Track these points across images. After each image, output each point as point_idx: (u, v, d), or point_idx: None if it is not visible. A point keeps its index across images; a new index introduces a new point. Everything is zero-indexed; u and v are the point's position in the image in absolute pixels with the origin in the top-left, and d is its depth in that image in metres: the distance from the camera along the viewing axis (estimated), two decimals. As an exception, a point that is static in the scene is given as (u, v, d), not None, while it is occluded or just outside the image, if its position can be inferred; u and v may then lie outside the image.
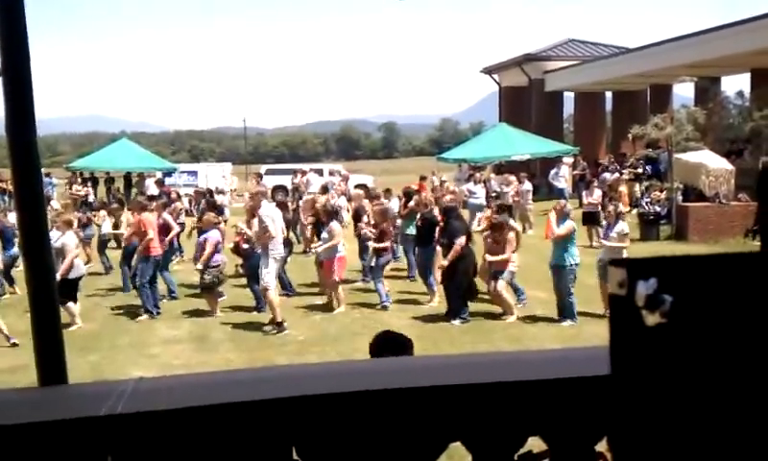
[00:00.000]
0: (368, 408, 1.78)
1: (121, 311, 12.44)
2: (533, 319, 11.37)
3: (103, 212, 16.17)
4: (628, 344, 0.70)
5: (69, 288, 11.06)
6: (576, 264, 11.10)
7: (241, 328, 11.20)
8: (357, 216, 14.99)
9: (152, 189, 25.60)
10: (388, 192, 17.56)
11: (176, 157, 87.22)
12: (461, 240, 11.14)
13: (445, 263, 11.19)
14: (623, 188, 20.11)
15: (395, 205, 15.92)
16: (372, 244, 13.17)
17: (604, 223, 12.41)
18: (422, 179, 23.91)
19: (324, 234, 12.25)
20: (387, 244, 12.82)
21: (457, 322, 10.91)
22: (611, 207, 12.35)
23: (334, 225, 12.21)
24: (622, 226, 11.43)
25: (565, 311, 11.07)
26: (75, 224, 13.64)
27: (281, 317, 11.04)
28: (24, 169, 2.01)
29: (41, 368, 1.98)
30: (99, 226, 16.10)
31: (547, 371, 1.92)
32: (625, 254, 11.06)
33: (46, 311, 2.02)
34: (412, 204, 14.82)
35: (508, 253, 11.21)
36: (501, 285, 11.28)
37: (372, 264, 12.93)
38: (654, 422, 0.69)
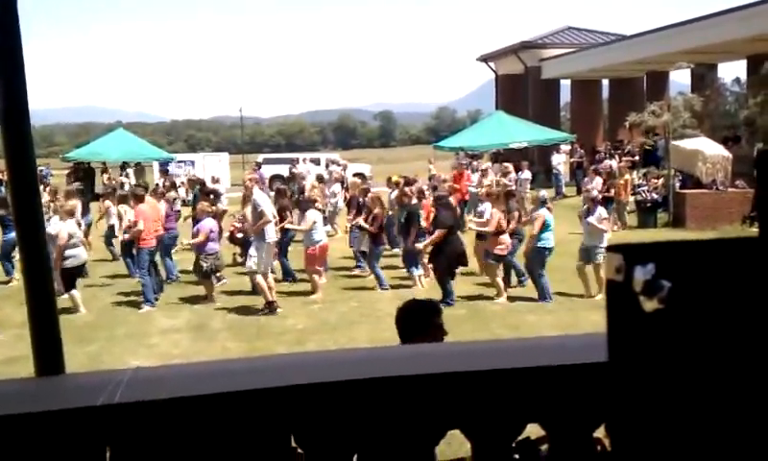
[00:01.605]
0: (366, 396, 1.78)
1: (119, 301, 12.43)
2: (530, 307, 11.39)
3: (108, 202, 16.23)
4: (626, 330, 0.69)
5: (70, 277, 11.41)
6: (547, 248, 11.61)
7: (240, 318, 11.21)
8: (352, 204, 15.07)
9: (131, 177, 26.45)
10: (390, 181, 17.61)
11: (173, 146, 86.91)
12: (440, 229, 11.46)
13: (420, 246, 11.93)
14: (627, 176, 20.05)
15: (395, 195, 16.00)
16: (361, 223, 13.39)
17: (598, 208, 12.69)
18: (461, 165, 23.17)
19: (302, 224, 12.67)
20: (376, 230, 13.08)
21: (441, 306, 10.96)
22: (589, 194, 13.13)
23: (309, 213, 12.49)
24: (601, 210, 11.96)
25: (540, 291, 11.59)
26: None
27: (272, 297, 11.31)
28: (18, 160, 2.00)
29: (38, 358, 1.98)
30: (102, 217, 16.28)
31: (545, 358, 1.93)
32: (606, 239, 11.67)
33: (42, 302, 2.02)
34: (396, 194, 15.09)
35: (491, 228, 11.75)
36: (492, 270, 11.86)
37: (365, 249, 13.29)
38: (652, 408, 0.69)
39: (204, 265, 12.10)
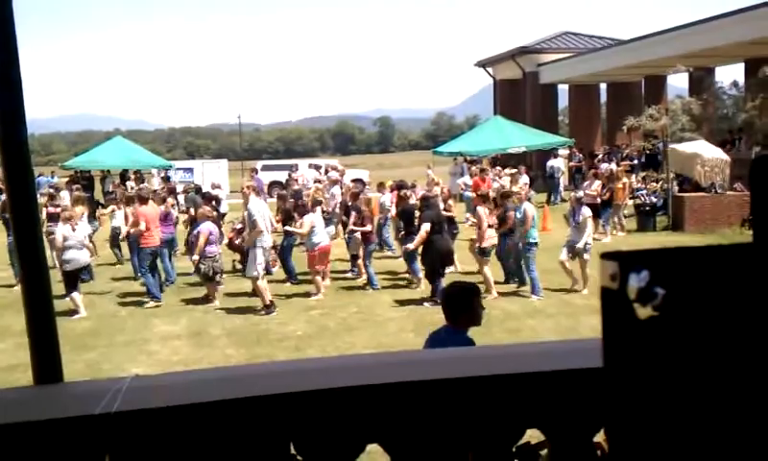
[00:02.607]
0: (366, 403, 1.78)
1: (119, 308, 12.43)
2: (530, 312, 11.39)
3: (113, 207, 16.55)
4: (620, 337, 0.70)
5: (71, 279, 11.82)
6: (534, 243, 12.21)
7: (239, 324, 11.21)
8: (346, 208, 15.41)
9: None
10: (381, 186, 17.89)
11: (171, 154, 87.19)
12: (426, 227, 11.90)
13: (410, 247, 12.33)
14: (625, 180, 20.03)
15: (387, 198, 16.31)
16: (352, 227, 13.81)
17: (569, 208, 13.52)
18: (483, 171, 21.94)
19: (298, 226, 13.07)
20: (368, 228, 13.58)
21: (428, 304, 11.66)
22: (572, 194, 13.82)
23: (306, 217, 12.85)
24: (584, 210, 12.64)
25: (531, 286, 12.18)
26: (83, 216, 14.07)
27: (269, 300, 11.74)
28: (16, 168, 2.00)
29: (36, 366, 1.97)
30: (110, 219, 16.57)
31: (545, 363, 1.93)
32: (589, 236, 12.43)
33: (40, 310, 2.02)
34: (389, 197, 15.84)
35: (483, 228, 12.39)
36: (482, 264, 12.46)
37: (355, 253, 13.85)
38: (647, 414, 0.69)
39: (203, 267, 12.35)
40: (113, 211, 16.26)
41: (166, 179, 25.62)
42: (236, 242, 13.75)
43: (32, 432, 1.58)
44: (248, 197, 12.19)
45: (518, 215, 12.30)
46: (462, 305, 4.50)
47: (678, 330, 0.67)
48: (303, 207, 13.42)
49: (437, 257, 11.88)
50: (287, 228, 13.52)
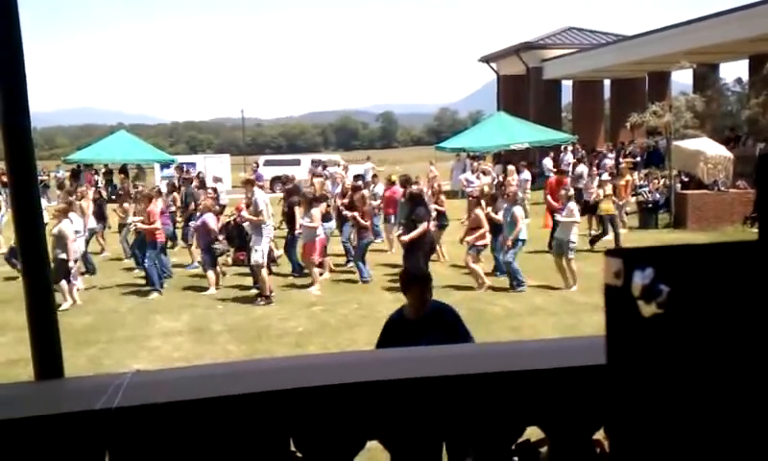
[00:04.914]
0: (366, 399, 1.77)
1: (120, 303, 12.43)
2: (531, 309, 11.38)
3: (126, 205, 16.97)
4: (624, 334, 0.69)
5: (65, 269, 12.05)
6: (521, 240, 12.60)
7: (240, 320, 11.21)
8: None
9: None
10: (375, 178, 18.35)
11: (174, 148, 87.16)
12: (424, 225, 12.19)
13: (405, 239, 12.39)
14: (628, 177, 19.93)
15: (379, 190, 17.16)
16: (346, 213, 14.43)
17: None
18: (560, 172, 19.24)
19: (306, 220, 13.22)
20: (366, 224, 13.95)
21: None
22: (562, 192, 13.82)
23: (314, 211, 13.13)
24: (572, 206, 12.84)
25: (513, 279, 12.49)
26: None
27: (269, 290, 12.13)
28: (19, 162, 2.00)
29: (37, 362, 1.97)
30: (123, 217, 16.78)
31: (545, 361, 1.92)
32: (575, 232, 12.64)
33: (42, 305, 2.01)
34: (381, 187, 16.67)
35: (483, 229, 12.61)
36: (469, 259, 12.73)
37: (354, 245, 14.22)
38: (651, 412, 0.69)
39: (218, 249, 13.13)
40: (127, 210, 16.59)
41: (180, 169, 25.80)
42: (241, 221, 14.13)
43: (33, 428, 1.57)
44: (251, 188, 12.70)
45: (508, 218, 12.63)
46: (404, 286, 5.14)
47: (683, 328, 0.66)
48: (317, 200, 13.73)
49: (419, 253, 12.24)
50: (302, 222, 13.58)
